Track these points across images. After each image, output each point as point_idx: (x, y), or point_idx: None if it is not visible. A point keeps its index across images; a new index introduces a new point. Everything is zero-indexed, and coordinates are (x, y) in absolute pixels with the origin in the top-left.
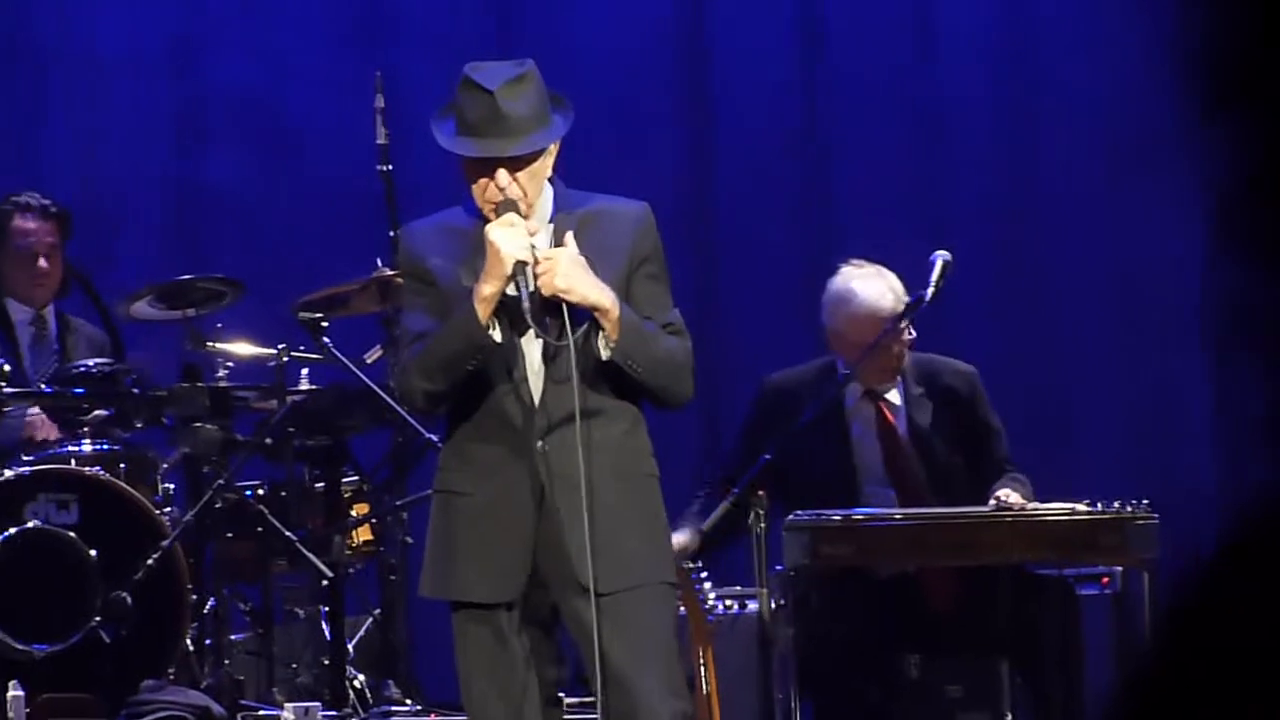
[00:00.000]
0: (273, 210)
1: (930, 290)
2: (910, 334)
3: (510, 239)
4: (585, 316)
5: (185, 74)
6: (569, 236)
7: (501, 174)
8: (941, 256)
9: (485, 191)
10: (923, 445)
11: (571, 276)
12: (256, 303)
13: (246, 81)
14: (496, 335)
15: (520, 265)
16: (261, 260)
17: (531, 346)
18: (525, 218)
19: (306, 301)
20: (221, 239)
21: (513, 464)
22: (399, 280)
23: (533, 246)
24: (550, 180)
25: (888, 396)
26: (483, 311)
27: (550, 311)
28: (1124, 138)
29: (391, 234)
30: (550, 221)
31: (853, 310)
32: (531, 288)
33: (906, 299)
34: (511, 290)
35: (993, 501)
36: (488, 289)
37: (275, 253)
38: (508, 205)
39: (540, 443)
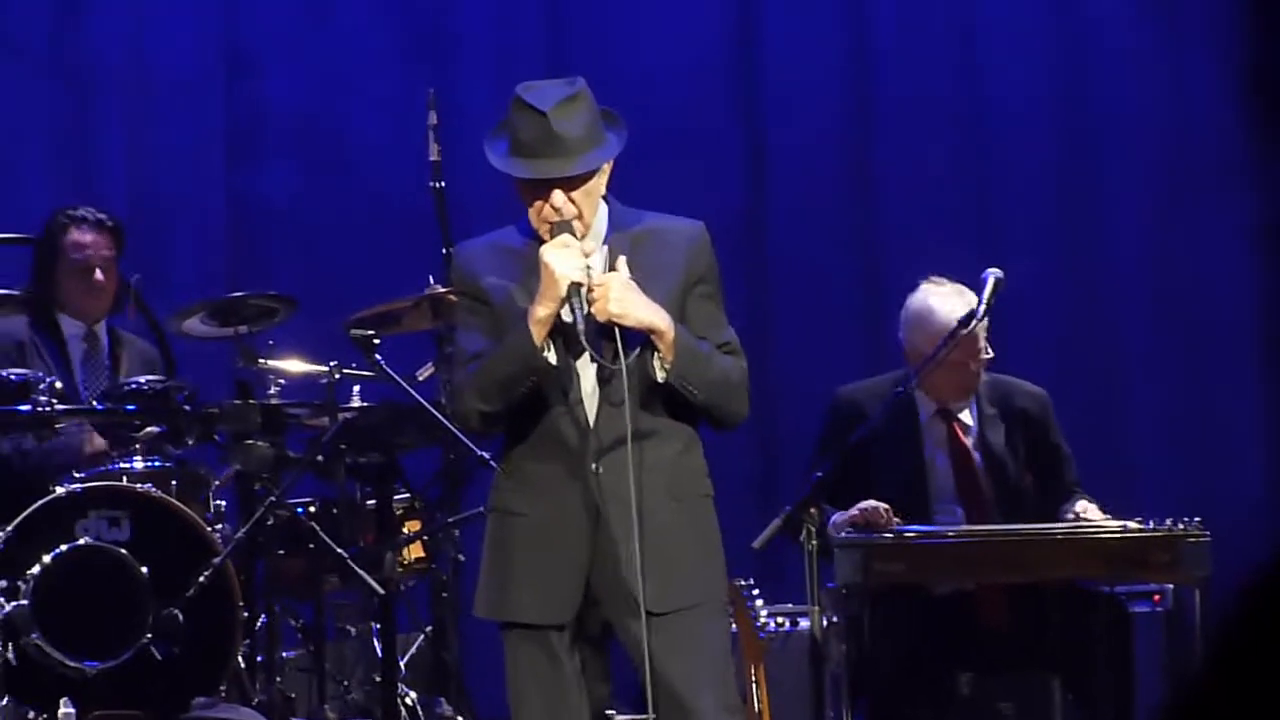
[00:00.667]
0: (325, 227)
1: (982, 308)
2: (988, 353)
3: (565, 260)
4: (640, 339)
5: (239, 90)
6: (621, 261)
7: (557, 194)
8: (993, 274)
9: (540, 212)
10: (994, 465)
11: (624, 301)
12: (308, 319)
13: (300, 98)
14: (552, 357)
15: (575, 287)
16: (314, 277)
17: (587, 368)
18: (581, 238)
19: (358, 319)
20: (274, 255)
21: (567, 485)
22: (451, 298)
23: (588, 268)
24: (605, 198)
25: (960, 416)
26: (538, 334)
27: (605, 334)
28: (1177, 154)
29: (444, 251)
30: (605, 240)
31: (931, 328)
32: (586, 310)
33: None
34: (566, 312)
35: (1070, 515)
36: (542, 311)
37: (327, 269)
38: (563, 226)
39: (594, 464)
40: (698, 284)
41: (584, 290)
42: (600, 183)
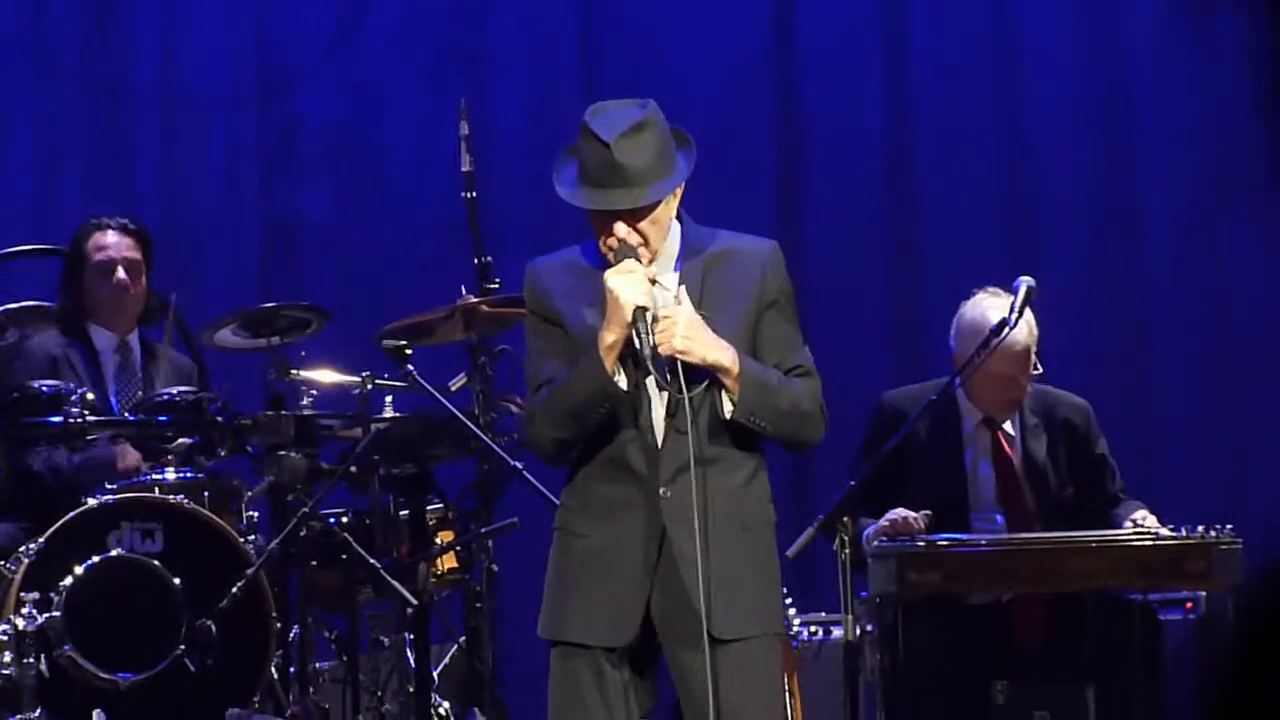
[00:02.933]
0: (358, 238)
1: (1014, 316)
2: (1037, 369)
3: (628, 286)
4: (708, 372)
5: (273, 106)
6: (682, 290)
7: (619, 226)
8: (1025, 282)
9: (607, 240)
10: (1036, 475)
11: (690, 338)
12: (341, 330)
13: (333, 112)
14: (622, 383)
15: (640, 311)
16: (346, 288)
17: (657, 392)
18: (652, 261)
19: (391, 330)
20: (307, 267)
21: (633, 509)
22: (484, 308)
23: (653, 293)
24: (679, 217)
25: (1004, 426)
26: (608, 360)
27: (670, 362)
28: (1211, 167)
29: (476, 261)
30: (678, 263)
31: (981, 337)
32: (652, 336)
33: (1036, 332)
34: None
35: (1128, 524)
36: (610, 337)
37: (360, 280)
38: (627, 251)
39: (663, 489)
40: (771, 305)
41: (649, 315)
42: (669, 208)
